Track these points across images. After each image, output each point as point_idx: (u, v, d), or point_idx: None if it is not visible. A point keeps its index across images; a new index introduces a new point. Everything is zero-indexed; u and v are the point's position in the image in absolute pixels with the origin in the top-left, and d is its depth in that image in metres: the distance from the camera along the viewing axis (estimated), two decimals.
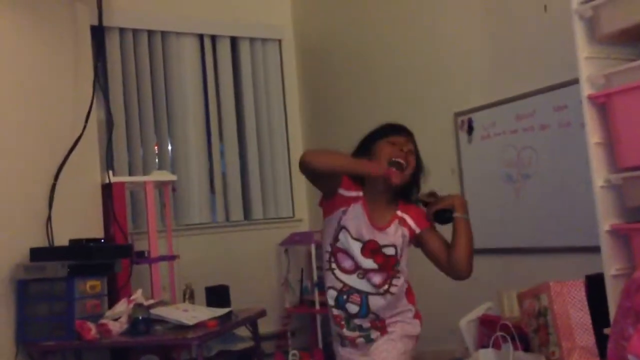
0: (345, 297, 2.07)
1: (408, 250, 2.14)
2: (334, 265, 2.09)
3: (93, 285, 2.96)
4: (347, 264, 2.07)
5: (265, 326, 3.80)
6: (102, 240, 3.27)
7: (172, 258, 3.67)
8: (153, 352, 3.35)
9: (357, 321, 2.10)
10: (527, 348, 2.70)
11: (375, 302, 2.07)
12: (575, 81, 2.63)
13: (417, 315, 2.25)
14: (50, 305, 2.88)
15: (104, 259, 3.08)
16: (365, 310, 2.08)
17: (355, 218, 2.06)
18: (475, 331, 3.04)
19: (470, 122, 3.57)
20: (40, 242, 3.04)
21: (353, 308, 2.08)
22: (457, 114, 3.65)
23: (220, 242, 4.50)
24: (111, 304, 3.07)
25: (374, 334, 2.11)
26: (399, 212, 2.12)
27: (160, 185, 3.84)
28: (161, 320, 2.91)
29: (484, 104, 3.48)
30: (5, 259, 2.87)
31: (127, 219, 3.65)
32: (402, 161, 2.07)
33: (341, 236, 2.07)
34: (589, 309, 2.58)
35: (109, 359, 3.38)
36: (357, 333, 2.11)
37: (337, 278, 2.08)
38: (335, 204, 2.09)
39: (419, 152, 2.19)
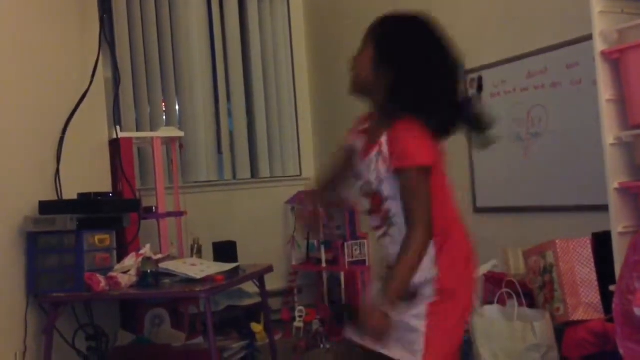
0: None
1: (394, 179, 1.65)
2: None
3: (102, 238, 2.98)
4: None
5: (272, 283, 3.83)
6: (111, 195, 3.28)
7: (179, 214, 3.70)
8: (161, 305, 3.40)
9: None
10: (532, 304, 2.73)
11: (384, 247, 1.71)
12: (588, 37, 2.60)
13: (442, 302, 1.62)
14: (60, 258, 2.90)
15: (113, 213, 3.09)
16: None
17: (357, 157, 1.71)
18: (480, 288, 3.07)
19: (480, 79, 3.54)
20: (49, 195, 3.06)
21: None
22: (467, 72, 3.61)
23: (227, 199, 4.53)
24: (120, 258, 3.09)
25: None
26: (383, 138, 1.62)
27: (168, 142, 3.84)
28: (169, 274, 2.94)
29: (494, 61, 3.44)
30: (15, 212, 2.88)
31: (134, 175, 3.66)
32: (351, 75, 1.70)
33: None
34: (595, 266, 2.60)
35: (117, 311, 3.43)
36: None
37: None
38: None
39: (387, 41, 1.65)
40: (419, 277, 1.59)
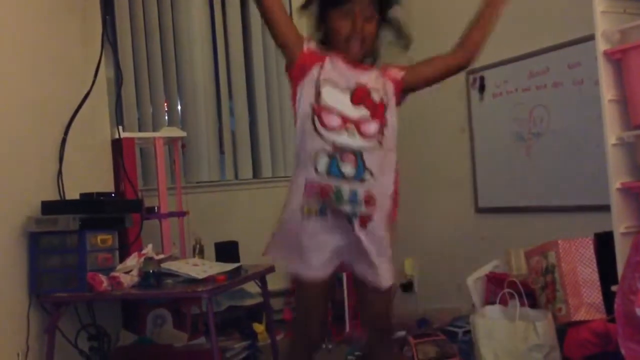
0: (338, 158, 1.83)
1: (395, 108, 1.94)
2: (319, 126, 1.84)
3: (104, 238, 2.99)
4: (335, 121, 1.84)
5: (274, 283, 3.83)
6: (113, 195, 3.28)
7: (181, 214, 3.70)
8: (163, 306, 3.40)
9: (351, 186, 1.85)
10: (533, 305, 2.73)
11: (371, 158, 1.85)
12: (590, 37, 2.60)
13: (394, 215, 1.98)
14: (62, 258, 2.90)
15: (115, 213, 3.09)
16: (361, 169, 1.84)
17: (335, 68, 1.88)
18: (482, 289, 3.07)
19: (482, 79, 3.54)
20: (52, 195, 3.06)
21: (349, 169, 1.84)
22: (469, 72, 3.61)
23: (229, 199, 4.52)
24: (122, 259, 3.10)
25: (362, 210, 1.87)
26: (374, 66, 1.96)
27: (170, 142, 3.84)
28: (171, 274, 2.94)
29: (496, 61, 3.44)
30: (17, 212, 2.89)
31: (137, 175, 3.66)
32: (359, 44, 1.89)
33: (324, 91, 1.86)
34: (597, 266, 2.59)
35: (119, 311, 3.43)
36: (347, 206, 1.86)
37: (326, 139, 1.84)
38: (307, 63, 1.89)
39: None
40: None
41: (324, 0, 1.91)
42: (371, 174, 1.85)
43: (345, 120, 1.84)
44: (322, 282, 1.94)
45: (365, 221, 1.87)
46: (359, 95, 1.87)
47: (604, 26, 2.46)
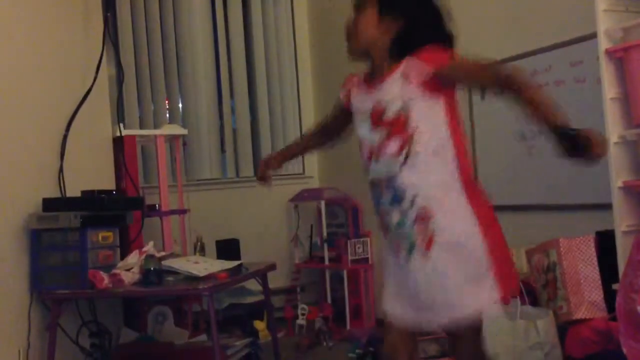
0: (377, 189, 1.72)
1: (434, 103, 1.68)
2: (362, 160, 1.77)
3: (105, 236, 2.99)
4: (365, 151, 1.74)
5: (275, 281, 3.84)
6: (114, 192, 3.28)
7: (182, 212, 3.70)
8: (164, 303, 3.41)
9: (398, 214, 1.69)
10: (535, 303, 2.73)
11: (404, 178, 1.66)
12: (592, 36, 2.60)
13: (482, 224, 1.75)
14: (64, 255, 2.91)
15: (116, 210, 3.10)
16: (398, 193, 1.67)
17: (356, 96, 1.81)
18: None
19: None
20: (53, 192, 3.06)
21: (387, 196, 1.70)
22: None
23: (230, 197, 4.53)
24: (123, 256, 3.10)
25: (417, 238, 1.67)
26: (401, 65, 1.69)
27: (171, 140, 3.84)
28: (172, 272, 2.94)
29: (499, 60, 3.43)
30: (19, 209, 2.89)
31: (138, 173, 3.66)
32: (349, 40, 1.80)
33: (355, 123, 1.79)
34: (598, 264, 2.59)
35: (121, 308, 3.43)
36: (400, 238, 1.70)
37: (368, 173, 1.75)
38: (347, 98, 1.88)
39: None
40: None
41: None
42: (414, 198, 1.66)
43: (371, 149, 1.72)
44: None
45: (428, 246, 1.66)
46: (375, 117, 1.71)
47: (606, 24, 2.46)
